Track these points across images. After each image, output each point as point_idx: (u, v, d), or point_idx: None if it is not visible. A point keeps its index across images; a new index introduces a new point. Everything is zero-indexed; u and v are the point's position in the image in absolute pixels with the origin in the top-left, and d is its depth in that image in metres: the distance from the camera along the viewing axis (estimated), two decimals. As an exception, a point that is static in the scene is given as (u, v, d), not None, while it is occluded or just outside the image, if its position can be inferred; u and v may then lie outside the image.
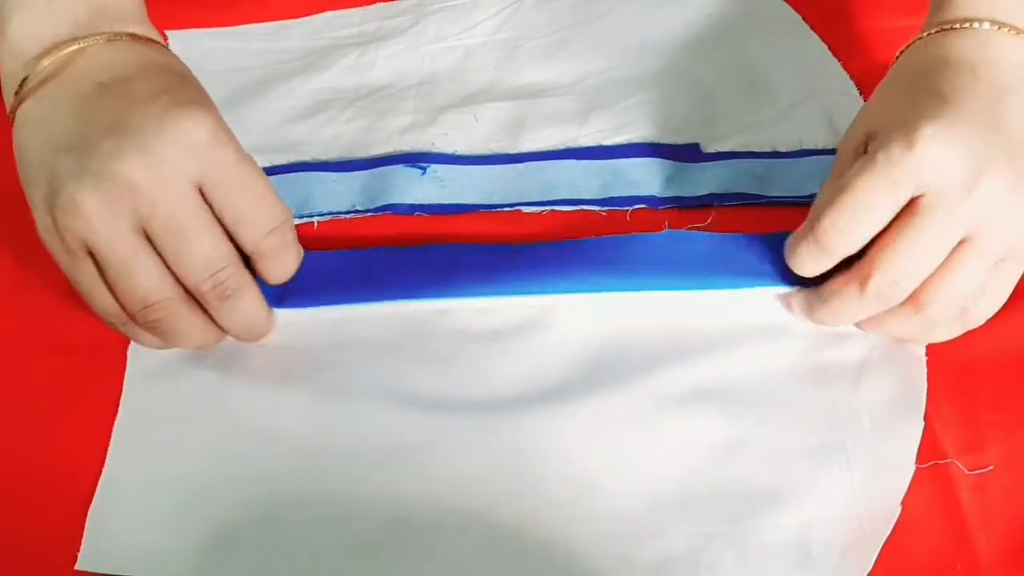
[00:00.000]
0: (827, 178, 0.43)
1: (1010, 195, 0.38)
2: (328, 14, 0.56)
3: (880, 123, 0.40)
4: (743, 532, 0.39)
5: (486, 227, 0.47)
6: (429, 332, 0.44)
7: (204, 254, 0.39)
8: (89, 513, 0.40)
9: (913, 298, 0.40)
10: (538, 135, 0.51)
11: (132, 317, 0.40)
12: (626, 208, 0.47)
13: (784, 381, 0.42)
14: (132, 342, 0.43)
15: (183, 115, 0.38)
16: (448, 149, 0.50)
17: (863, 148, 0.41)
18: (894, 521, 0.39)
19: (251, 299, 0.41)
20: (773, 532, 0.39)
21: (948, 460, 0.40)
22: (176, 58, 0.43)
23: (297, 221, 0.47)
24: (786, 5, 0.54)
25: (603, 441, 0.41)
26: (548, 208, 0.48)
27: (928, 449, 0.41)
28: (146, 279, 0.39)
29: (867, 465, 0.40)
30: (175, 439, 0.42)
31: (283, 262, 0.41)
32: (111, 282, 0.39)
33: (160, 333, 0.41)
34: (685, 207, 0.48)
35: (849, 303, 0.41)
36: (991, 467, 0.40)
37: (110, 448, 0.41)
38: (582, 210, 0.48)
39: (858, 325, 0.43)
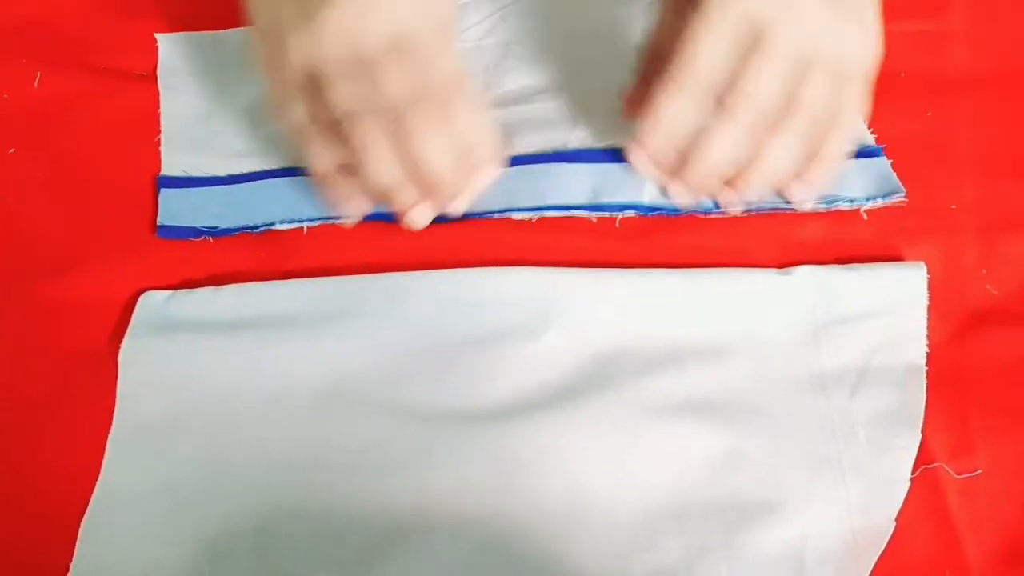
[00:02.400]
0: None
1: (828, 18, 0.41)
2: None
3: None
4: (738, 544, 0.39)
5: (476, 234, 0.47)
6: (423, 341, 0.44)
7: (401, 82, 0.42)
8: (82, 524, 0.40)
9: (780, 117, 0.42)
10: (528, 139, 0.50)
11: (333, 128, 0.43)
12: (616, 214, 0.48)
13: (781, 392, 0.42)
14: (122, 352, 0.44)
15: None
16: None
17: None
18: (889, 536, 0.39)
19: (441, 135, 0.43)
20: (768, 545, 0.39)
21: (937, 464, 0.41)
22: None
23: (287, 226, 0.47)
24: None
25: (598, 452, 0.41)
26: (538, 214, 0.48)
27: (918, 453, 0.41)
28: (352, 89, 0.42)
29: (863, 479, 0.40)
30: (169, 451, 0.42)
31: (463, 112, 0.44)
32: (323, 95, 0.43)
33: (356, 143, 0.43)
34: (674, 214, 0.48)
35: (721, 138, 0.43)
36: (979, 471, 0.41)
37: (105, 460, 0.41)
38: (572, 216, 0.48)
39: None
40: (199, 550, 0.39)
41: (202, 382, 0.43)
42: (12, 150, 0.50)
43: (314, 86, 0.43)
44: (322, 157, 0.45)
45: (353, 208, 0.46)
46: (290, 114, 0.44)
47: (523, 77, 0.53)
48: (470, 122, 0.44)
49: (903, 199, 0.47)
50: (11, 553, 0.40)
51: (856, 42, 0.43)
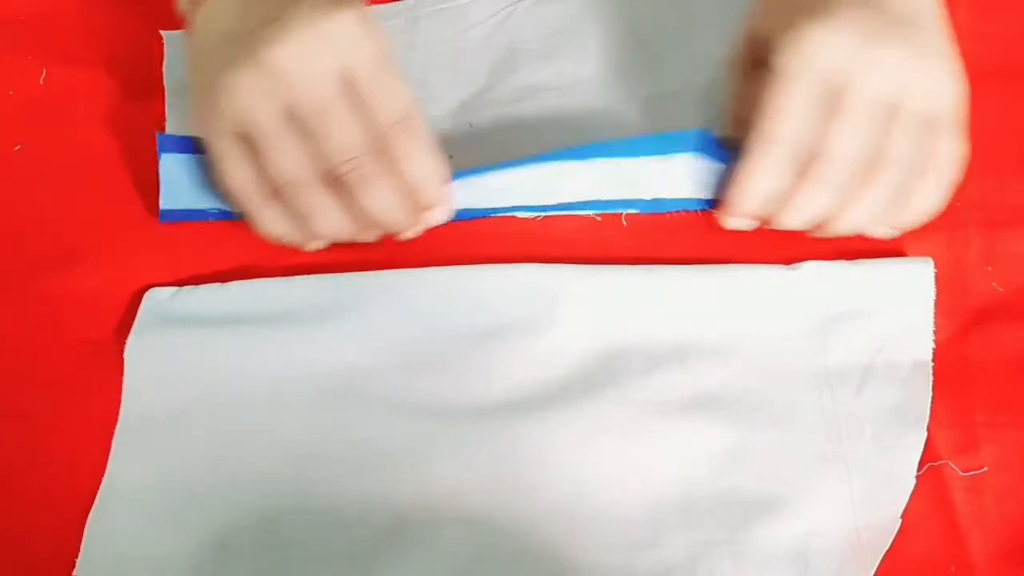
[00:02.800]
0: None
1: (905, 60, 0.41)
2: (323, 16, 0.56)
3: (772, 19, 0.43)
4: (742, 541, 0.39)
5: (480, 231, 0.47)
6: (428, 336, 0.44)
7: (342, 138, 0.42)
8: (88, 520, 0.40)
9: (868, 170, 0.42)
10: (533, 138, 0.50)
11: (276, 192, 0.43)
12: (620, 211, 0.47)
13: (786, 388, 0.42)
14: (128, 347, 0.44)
15: (331, 12, 0.42)
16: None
17: (760, 45, 0.44)
18: (894, 533, 0.39)
19: (386, 189, 0.43)
20: (772, 542, 0.39)
21: (942, 461, 0.41)
22: None
23: None
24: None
25: (602, 448, 0.41)
26: (543, 213, 0.48)
27: (923, 450, 0.41)
28: (289, 156, 0.42)
29: (867, 476, 0.40)
30: (174, 446, 0.42)
31: (410, 154, 0.43)
32: (260, 158, 0.42)
33: (297, 213, 0.43)
34: (674, 210, 0.48)
35: (808, 200, 0.43)
36: (985, 468, 0.41)
37: (111, 455, 0.41)
38: (576, 214, 0.48)
39: (831, 224, 0.44)
40: (204, 544, 0.39)
41: (207, 377, 0.43)
42: (18, 147, 0.50)
43: (255, 141, 0.42)
44: (272, 224, 0.44)
45: (314, 247, 0.46)
46: (231, 174, 0.43)
47: (528, 75, 0.53)
48: (418, 164, 0.44)
49: None
50: (18, 547, 0.40)
51: (940, 77, 0.42)
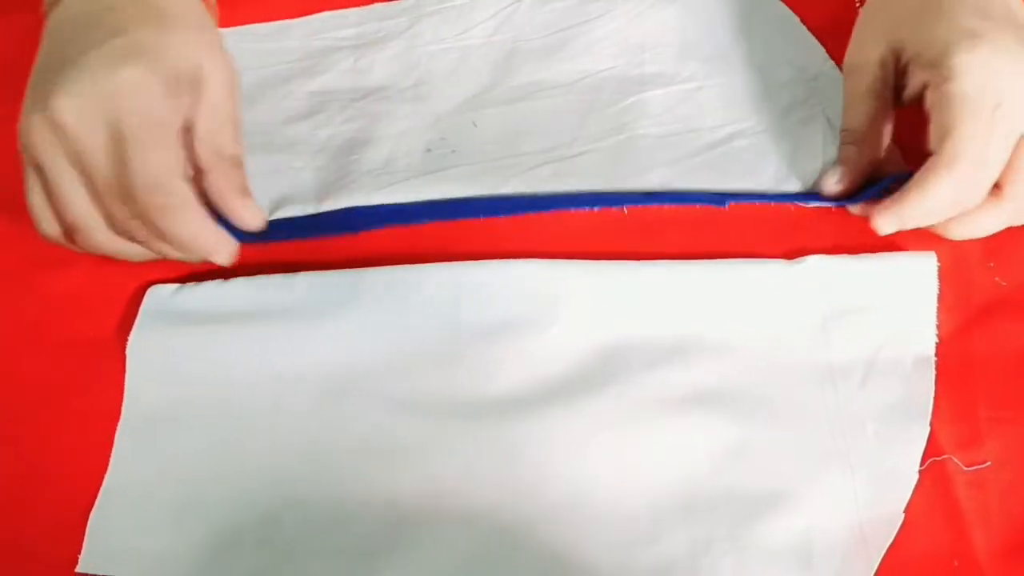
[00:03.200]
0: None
1: None
2: (325, 14, 0.56)
3: (914, 40, 0.44)
4: (743, 537, 0.39)
5: (481, 227, 0.47)
6: (430, 333, 0.44)
7: (109, 194, 0.41)
8: (91, 515, 0.40)
9: (995, 190, 0.43)
10: (536, 138, 0.50)
11: (69, 234, 0.43)
12: (623, 206, 0.47)
13: (789, 384, 0.42)
14: (130, 344, 0.44)
15: (120, 66, 0.41)
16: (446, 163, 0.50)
17: (893, 63, 0.45)
18: (896, 529, 0.39)
19: (159, 242, 0.42)
20: (774, 537, 0.39)
21: (945, 456, 0.41)
22: None
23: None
24: (785, 8, 0.54)
25: (602, 445, 0.41)
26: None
27: (926, 445, 0.41)
28: (72, 201, 0.42)
29: (870, 471, 0.40)
30: (176, 443, 0.42)
31: (164, 226, 0.42)
32: (50, 188, 0.42)
33: (92, 251, 0.44)
34: (675, 203, 0.48)
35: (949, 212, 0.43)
36: (988, 463, 0.41)
37: (113, 451, 0.42)
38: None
39: (941, 227, 0.45)
40: (207, 541, 0.39)
41: (209, 374, 0.43)
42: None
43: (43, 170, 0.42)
44: (76, 246, 0.44)
45: None
46: (31, 200, 0.43)
47: (531, 74, 0.53)
48: (175, 233, 0.42)
49: None
50: (20, 544, 0.40)
51: None
